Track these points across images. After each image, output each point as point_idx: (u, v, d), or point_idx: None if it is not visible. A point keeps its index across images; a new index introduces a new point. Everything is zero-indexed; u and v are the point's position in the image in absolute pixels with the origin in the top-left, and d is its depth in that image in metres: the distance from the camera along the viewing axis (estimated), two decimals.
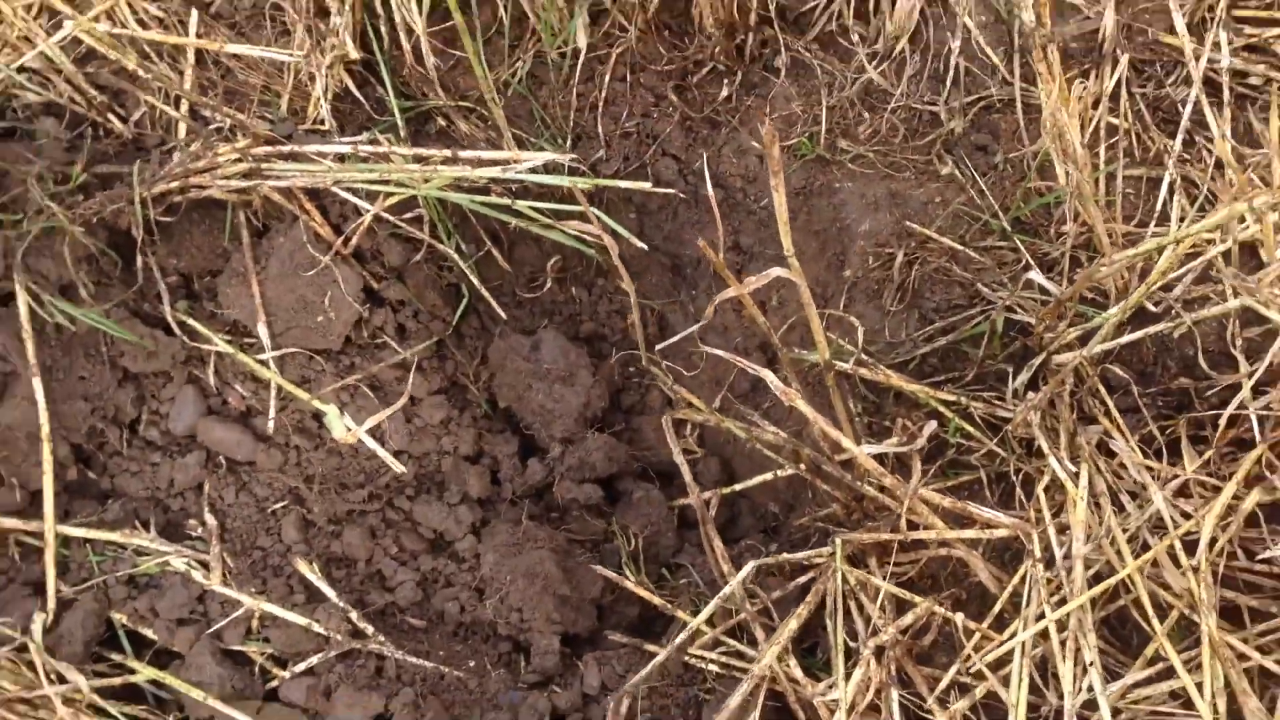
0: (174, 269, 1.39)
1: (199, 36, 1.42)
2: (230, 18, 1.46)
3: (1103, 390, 1.20)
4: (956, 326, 1.29)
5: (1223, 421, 1.10)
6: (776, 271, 1.05)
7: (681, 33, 1.45)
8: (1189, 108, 1.25)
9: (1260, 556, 1.12)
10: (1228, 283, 1.12)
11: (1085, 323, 1.19)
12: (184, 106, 1.42)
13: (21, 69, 1.40)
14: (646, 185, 1.37)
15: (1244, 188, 0.99)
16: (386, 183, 1.32)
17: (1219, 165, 1.22)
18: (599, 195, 1.40)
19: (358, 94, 1.44)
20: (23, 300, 1.28)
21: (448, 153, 1.31)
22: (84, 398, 1.34)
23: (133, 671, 1.28)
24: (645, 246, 1.40)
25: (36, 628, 1.24)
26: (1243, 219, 0.99)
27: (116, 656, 1.29)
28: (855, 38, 1.38)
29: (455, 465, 1.42)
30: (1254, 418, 1.09)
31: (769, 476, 1.32)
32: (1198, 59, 1.24)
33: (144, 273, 1.34)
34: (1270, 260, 1.06)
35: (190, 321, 1.37)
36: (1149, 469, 1.12)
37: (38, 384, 1.29)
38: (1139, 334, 1.17)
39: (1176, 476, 1.11)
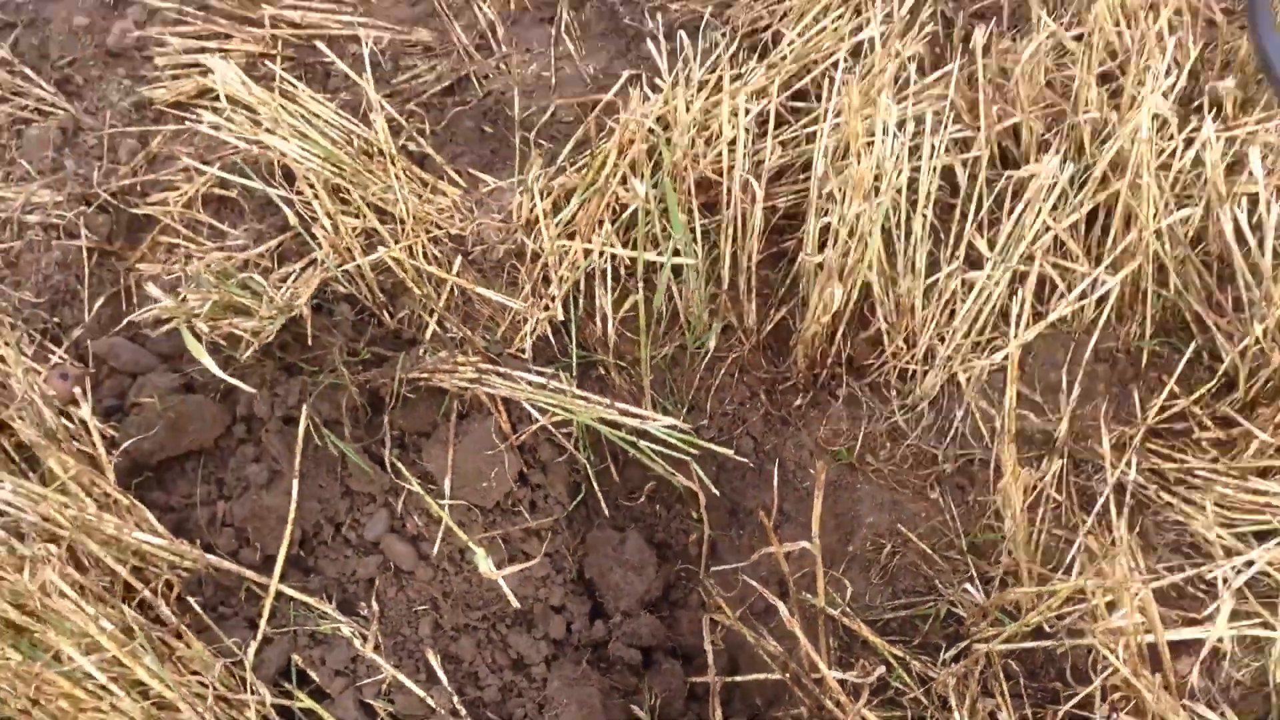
0: (399, 427, 2.01)
1: (457, 275, 2.08)
2: (480, 265, 2.12)
3: (1001, 676, 1.75)
4: (915, 605, 1.87)
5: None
6: (804, 544, 1.64)
7: (778, 355, 2.08)
8: (1100, 501, 1.83)
9: None
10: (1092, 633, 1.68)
11: (1001, 627, 1.76)
12: (435, 318, 2.06)
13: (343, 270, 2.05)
14: (730, 452, 1.99)
15: (1101, 572, 1.57)
16: (557, 407, 1.95)
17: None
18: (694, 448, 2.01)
19: (551, 339, 2.08)
20: (303, 425, 1.90)
21: (606, 400, 1.94)
22: (317, 500, 1.94)
23: (298, 699, 1.83)
24: (717, 493, 2.00)
25: (251, 650, 1.81)
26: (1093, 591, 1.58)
27: (288, 686, 1.85)
28: (894, 392, 2.01)
29: (545, 611, 1.99)
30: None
31: (762, 676, 1.87)
32: (1114, 468, 1.83)
33: (385, 428, 1.96)
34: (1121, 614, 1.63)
35: (400, 465, 1.97)
36: None
37: (295, 483, 1.89)
38: (1033, 644, 1.74)
39: None
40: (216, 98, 2.31)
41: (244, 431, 1.97)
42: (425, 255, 2.05)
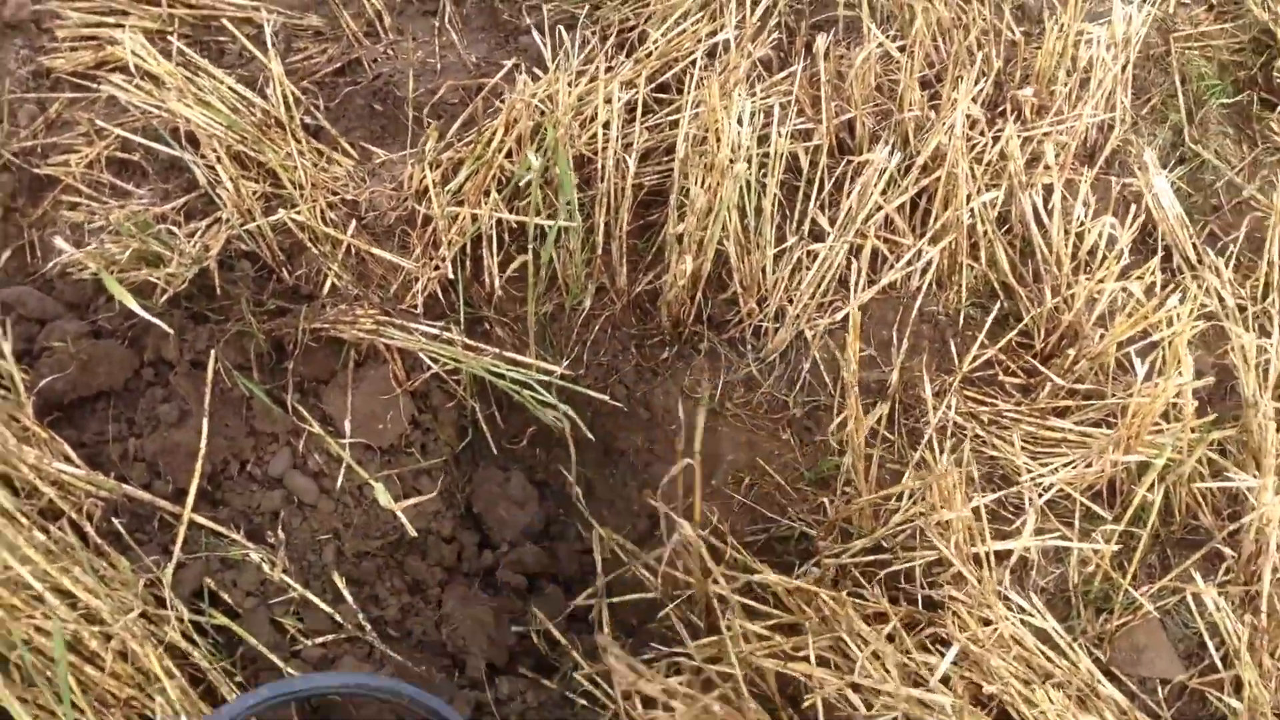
0: (300, 374, 2.16)
1: (353, 237, 2.25)
2: (373, 229, 2.29)
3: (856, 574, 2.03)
4: (770, 529, 2.14)
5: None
6: (687, 462, 1.89)
7: (646, 314, 2.33)
8: (924, 439, 2.13)
9: None
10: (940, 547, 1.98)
11: (846, 543, 2.05)
12: (332, 275, 2.23)
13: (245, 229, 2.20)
14: (604, 397, 2.23)
15: (926, 485, 1.87)
16: (448, 357, 2.14)
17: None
18: (571, 396, 2.24)
19: (440, 297, 2.27)
20: (211, 369, 2.03)
21: (493, 350, 2.14)
22: (224, 437, 2.07)
23: (211, 616, 1.96)
24: (591, 436, 2.23)
25: (168, 572, 1.93)
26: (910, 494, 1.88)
27: (202, 606, 1.97)
28: (749, 347, 2.28)
29: (437, 541, 2.17)
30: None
31: (638, 596, 2.10)
32: (935, 410, 2.14)
33: (289, 374, 2.11)
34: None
35: (301, 409, 2.13)
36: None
37: (205, 422, 2.02)
38: (873, 557, 2.02)
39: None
40: (114, 69, 2.42)
41: (153, 375, 2.09)
42: (323, 218, 2.21)
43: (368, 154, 2.39)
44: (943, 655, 1.77)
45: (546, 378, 2.13)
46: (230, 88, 2.33)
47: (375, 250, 2.23)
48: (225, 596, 1.97)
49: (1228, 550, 1.98)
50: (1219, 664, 1.89)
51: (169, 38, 2.43)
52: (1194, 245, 2.36)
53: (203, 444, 2.00)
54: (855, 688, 1.80)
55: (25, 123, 2.34)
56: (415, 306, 2.24)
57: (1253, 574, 1.93)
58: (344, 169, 2.35)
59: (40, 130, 2.34)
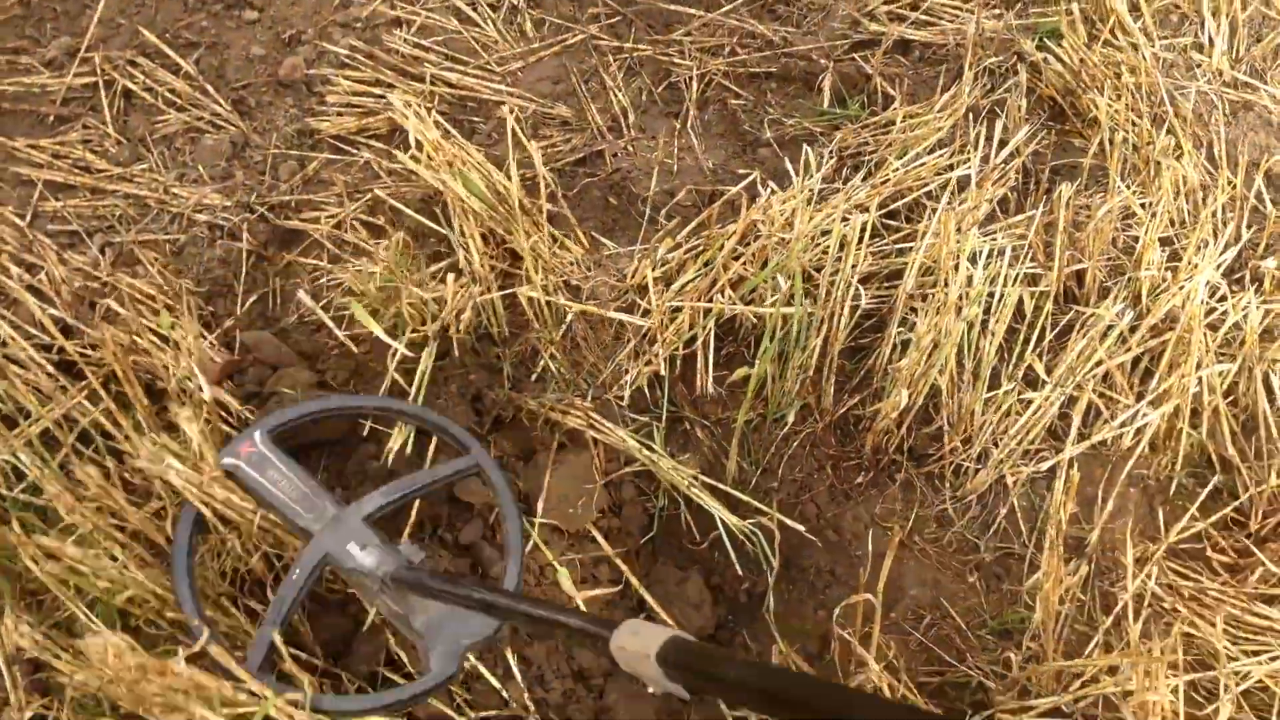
0: (503, 448, 2.25)
1: (574, 320, 2.34)
2: (593, 318, 2.38)
3: None
4: (946, 674, 2.09)
5: None
6: (867, 596, 1.87)
7: (847, 436, 2.33)
8: (1120, 604, 2.06)
9: None
10: None
11: (1024, 700, 1.98)
12: (548, 354, 2.31)
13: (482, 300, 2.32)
14: (800, 527, 2.23)
15: (1134, 662, 1.80)
16: (648, 463, 2.20)
17: (1127, 644, 2.03)
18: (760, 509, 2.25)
19: (646, 392, 2.33)
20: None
21: (692, 473, 2.19)
22: (426, 501, 2.18)
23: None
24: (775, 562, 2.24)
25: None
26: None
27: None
28: (947, 484, 2.25)
29: None
30: None
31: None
32: (1134, 577, 2.06)
33: (492, 446, 2.21)
34: None
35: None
36: None
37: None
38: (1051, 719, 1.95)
39: None
40: (373, 136, 2.60)
41: (367, 430, 2.21)
42: (549, 303, 2.30)
43: (597, 244, 2.49)
44: None
45: (747, 498, 2.17)
46: (479, 165, 2.46)
47: (609, 313, 2.30)
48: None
49: None
50: None
51: (430, 111, 2.59)
52: None
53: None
54: None
55: (285, 177, 2.53)
56: (621, 398, 2.30)
57: None
58: (574, 255, 2.44)
59: (298, 186, 2.52)
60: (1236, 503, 2.17)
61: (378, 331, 1.96)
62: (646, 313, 2.32)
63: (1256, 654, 1.98)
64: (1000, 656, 2.05)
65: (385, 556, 1.84)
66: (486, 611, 1.63)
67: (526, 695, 2.05)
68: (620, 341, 2.36)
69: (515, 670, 2.06)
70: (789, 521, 2.19)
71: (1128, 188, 2.46)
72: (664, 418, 2.30)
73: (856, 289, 2.25)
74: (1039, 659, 2.02)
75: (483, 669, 2.02)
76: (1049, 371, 2.25)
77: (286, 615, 1.79)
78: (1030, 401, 2.21)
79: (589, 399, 2.27)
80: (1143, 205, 2.48)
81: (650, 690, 1.25)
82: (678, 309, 2.32)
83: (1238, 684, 1.95)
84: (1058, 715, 1.97)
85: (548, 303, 2.32)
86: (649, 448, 2.23)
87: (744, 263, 2.30)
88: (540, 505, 2.18)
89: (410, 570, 1.81)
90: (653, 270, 2.35)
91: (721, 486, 2.22)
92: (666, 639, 1.22)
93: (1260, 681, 1.97)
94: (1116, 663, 1.86)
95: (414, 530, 2.07)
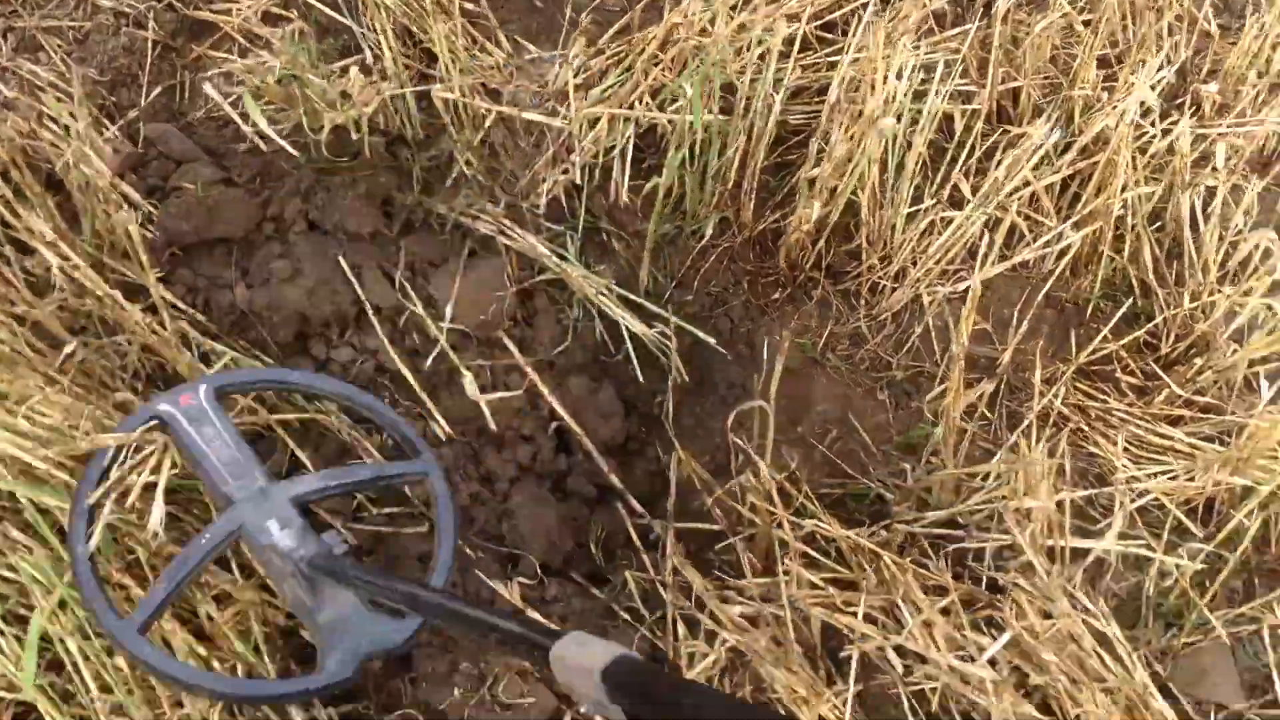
0: (413, 252, 2.20)
1: (492, 125, 2.27)
2: (511, 123, 2.31)
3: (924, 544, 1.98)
4: (848, 486, 2.09)
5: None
6: (760, 404, 1.86)
7: (765, 253, 2.30)
8: (1025, 423, 2.05)
9: None
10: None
11: (921, 513, 1.99)
12: (461, 164, 2.25)
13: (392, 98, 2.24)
14: (711, 340, 2.21)
15: (1013, 469, 1.80)
16: (561, 271, 2.16)
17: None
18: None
19: (563, 201, 2.27)
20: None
21: (606, 281, 2.15)
22: (330, 303, 2.13)
23: None
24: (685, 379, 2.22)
25: None
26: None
27: None
28: (863, 302, 2.22)
29: (516, 437, 2.19)
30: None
31: (704, 526, 2.09)
32: (1041, 396, 2.05)
33: (403, 251, 2.16)
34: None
35: (408, 286, 2.17)
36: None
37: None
38: (947, 530, 1.96)
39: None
40: None
41: (272, 229, 2.16)
42: (466, 106, 2.23)
43: (520, 48, 2.40)
44: (995, 639, 1.71)
45: (655, 308, 2.14)
46: None
47: (529, 115, 2.23)
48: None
49: None
50: None
51: None
52: None
53: None
54: (899, 650, 1.76)
55: None
56: (537, 207, 2.25)
57: None
58: (494, 59, 2.36)
59: None
60: (1150, 325, 2.15)
61: (262, 125, 1.88)
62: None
63: (1157, 475, 1.98)
64: (901, 469, 2.05)
65: (305, 541, 1.71)
66: (411, 606, 1.50)
67: None
68: (539, 150, 2.29)
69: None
70: (698, 332, 2.16)
71: (1069, 3, 2.38)
72: (580, 228, 2.25)
73: (777, 101, 2.18)
74: (937, 473, 2.02)
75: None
76: (974, 191, 2.20)
77: (185, 578, 1.65)
78: (952, 220, 2.17)
79: (502, 206, 2.21)
80: (1085, 23, 2.39)
81: (582, 708, 1.13)
82: (597, 118, 2.25)
83: (1133, 500, 1.96)
84: (953, 526, 1.98)
85: (464, 105, 2.25)
86: (562, 256, 2.19)
87: (664, 69, 2.22)
88: (449, 310, 2.15)
89: (331, 557, 1.70)
90: (573, 76, 2.27)
91: (633, 297, 2.18)
92: (616, 656, 1.10)
93: (1156, 499, 1.98)
94: (1000, 469, 1.86)
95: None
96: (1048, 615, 1.76)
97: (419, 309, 2.15)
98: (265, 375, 1.95)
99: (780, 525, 1.88)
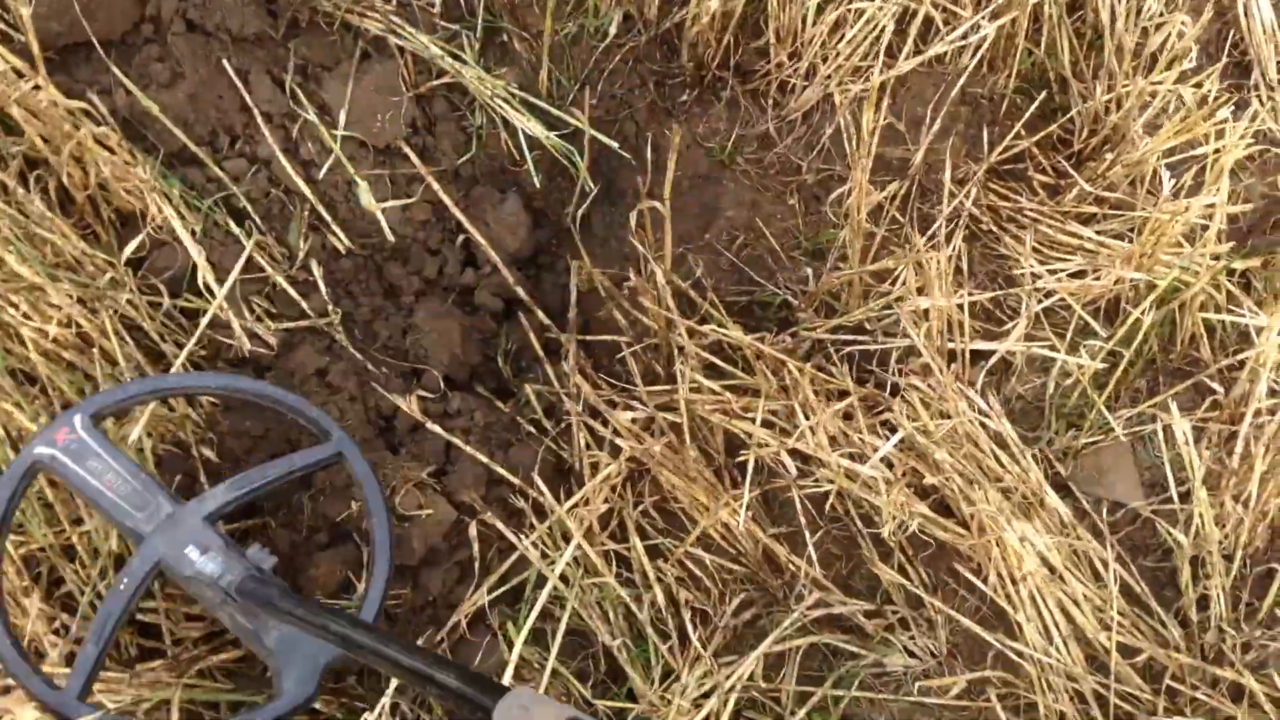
0: (303, 55, 2.09)
1: None
2: None
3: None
4: (755, 293, 2.06)
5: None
6: (654, 204, 1.80)
7: (672, 52, 2.20)
8: (935, 225, 2.01)
9: None
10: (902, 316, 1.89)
11: (826, 316, 1.97)
12: None
13: None
14: (613, 144, 2.12)
15: (909, 261, 1.77)
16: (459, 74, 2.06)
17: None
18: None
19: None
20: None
21: (506, 84, 2.05)
22: (215, 109, 2.02)
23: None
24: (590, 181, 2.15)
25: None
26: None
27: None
28: (772, 102, 2.15)
29: (420, 250, 2.13)
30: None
31: (610, 338, 2.06)
32: (952, 197, 2.01)
33: (291, 53, 2.05)
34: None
35: (299, 92, 2.06)
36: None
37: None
38: (851, 336, 1.95)
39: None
40: None
41: (151, 31, 2.03)
42: None
43: None
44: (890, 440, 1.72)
45: (558, 112, 2.05)
46: None
47: None
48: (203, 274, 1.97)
49: (1217, 387, 1.88)
50: (1177, 498, 1.83)
51: None
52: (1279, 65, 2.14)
53: None
54: (795, 453, 1.76)
55: None
56: (432, 4, 2.14)
57: (1237, 415, 1.84)
58: None
59: None
60: (1064, 118, 2.09)
61: None
62: None
63: (1063, 276, 1.96)
64: (806, 275, 2.02)
65: (230, 563, 1.57)
66: (345, 648, 1.38)
67: (330, 308, 2.01)
68: None
69: (320, 284, 2.01)
70: (602, 137, 2.09)
71: None
72: (479, 27, 2.14)
73: None
74: (842, 274, 1.99)
75: (282, 281, 1.96)
76: None
77: (112, 633, 1.53)
78: (864, 12, 2.08)
79: (393, 2, 2.09)
80: None
81: None
82: None
83: (1040, 301, 1.95)
84: (860, 332, 1.97)
85: None
86: (458, 58, 2.09)
87: None
88: (342, 117, 2.06)
89: (258, 582, 1.55)
90: None
91: (535, 101, 2.10)
92: None
93: (1062, 299, 1.97)
94: (897, 265, 1.83)
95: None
96: (945, 415, 1.76)
97: (312, 116, 2.05)
98: (141, 387, 1.72)
99: (678, 331, 1.86)
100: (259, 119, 2.04)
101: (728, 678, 1.68)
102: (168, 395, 1.76)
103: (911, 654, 1.81)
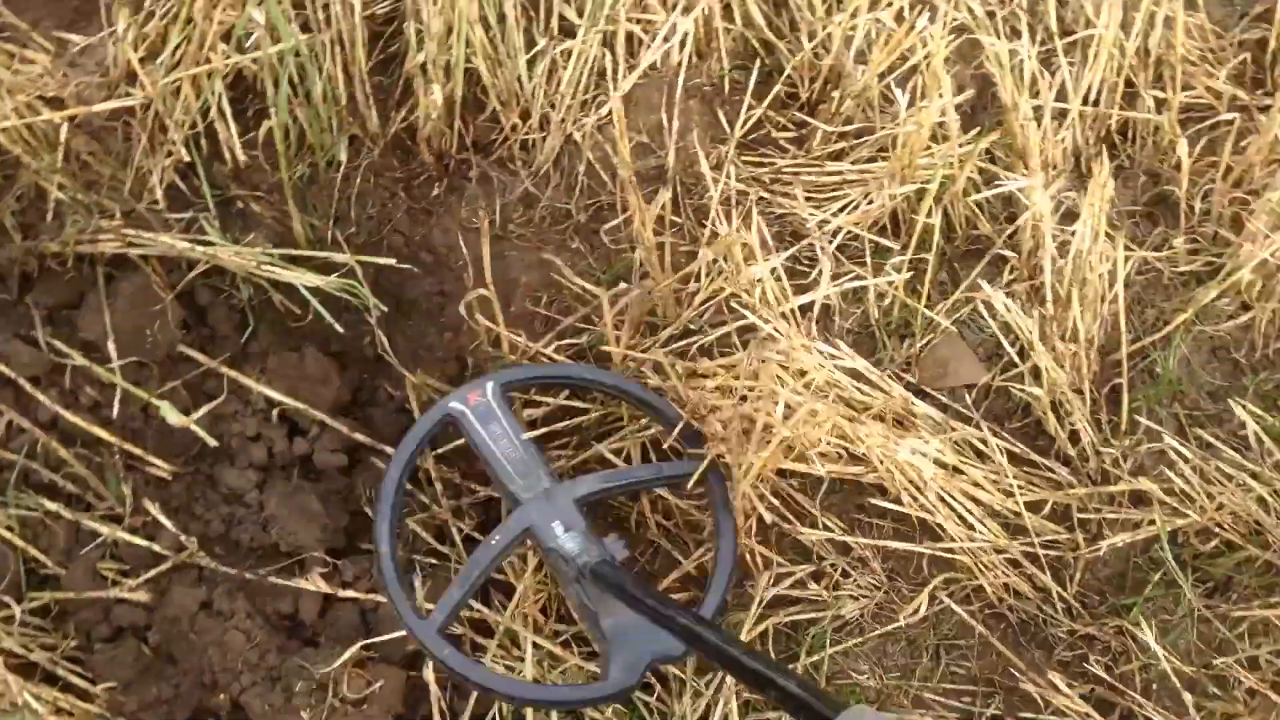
0: (46, 305, 1.99)
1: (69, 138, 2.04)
2: (89, 127, 2.08)
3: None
4: (583, 334, 2.08)
5: None
6: (481, 291, 1.82)
7: (409, 154, 2.20)
8: (711, 213, 2.08)
9: None
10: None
11: (651, 334, 2.02)
12: (54, 190, 2.03)
13: None
14: (389, 260, 2.10)
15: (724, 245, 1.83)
16: (211, 257, 2.00)
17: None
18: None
19: (181, 185, 2.10)
20: None
21: (263, 249, 2.01)
22: None
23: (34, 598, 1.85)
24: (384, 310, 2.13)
25: None
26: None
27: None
28: (520, 163, 2.17)
29: (243, 442, 2.06)
30: None
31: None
32: (715, 183, 2.08)
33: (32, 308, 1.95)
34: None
35: (56, 342, 1.96)
36: None
37: None
38: (684, 342, 2.00)
39: None
40: None
41: None
42: (30, 128, 2.00)
43: (65, 44, 2.16)
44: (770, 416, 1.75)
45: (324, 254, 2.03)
46: None
47: (104, 106, 2.03)
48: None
49: (1009, 253, 2.03)
50: (1016, 359, 1.97)
51: None
52: None
53: None
54: None
55: None
56: (156, 202, 2.07)
57: (1034, 268, 1.99)
58: (41, 67, 2.11)
59: None
60: (784, 75, 2.20)
61: None
62: (146, 105, 2.06)
63: (840, 211, 2.06)
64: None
65: (588, 545, 1.74)
66: (688, 642, 1.52)
67: (183, 538, 1.92)
68: (131, 142, 2.09)
69: (162, 519, 1.92)
70: (375, 260, 2.07)
71: None
72: (211, 205, 2.09)
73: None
74: (654, 292, 2.04)
75: (122, 534, 1.87)
76: (580, 14, 2.16)
77: (477, 581, 1.73)
78: (571, 51, 2.13)
79: (119, 217, 2.02)
80: None
81: None
82: (177, 85, 2.06)
83: (830, 241, 2.04)
84: (686, 335, 2.02)
85: (30, 127, 2.02)
86: (205, 242, 2.03)
87: (225, 8, 2.05)
88: (112, 349, 1.97)
89: (611, 567, 1.69)
90: (134, 51, 2.07)
91: (297, 253, 2.06)
92: None
93: (849, 231, 2.06)
94: (705, 261, 1.89)
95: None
96: (803, 373, 1.82)
97: (80, 360, 1.96)
98: (548, 371, 1.98)
99: None
100: (27, 386, 1.93)
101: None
102: (568, 383, 2.00)
103: (860, 596, 1.88)
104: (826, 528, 1.90)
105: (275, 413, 2.09)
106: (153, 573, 1.87)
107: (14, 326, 1.95)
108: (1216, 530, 1.89)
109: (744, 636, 1.83)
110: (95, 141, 2.09)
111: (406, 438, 1.86)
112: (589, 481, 1.84)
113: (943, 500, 1.86)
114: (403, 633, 1.79)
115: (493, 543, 1.75)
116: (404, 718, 1.82)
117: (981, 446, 1.93)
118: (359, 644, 1.79)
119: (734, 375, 1.81)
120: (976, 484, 1.86)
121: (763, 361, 1.74)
